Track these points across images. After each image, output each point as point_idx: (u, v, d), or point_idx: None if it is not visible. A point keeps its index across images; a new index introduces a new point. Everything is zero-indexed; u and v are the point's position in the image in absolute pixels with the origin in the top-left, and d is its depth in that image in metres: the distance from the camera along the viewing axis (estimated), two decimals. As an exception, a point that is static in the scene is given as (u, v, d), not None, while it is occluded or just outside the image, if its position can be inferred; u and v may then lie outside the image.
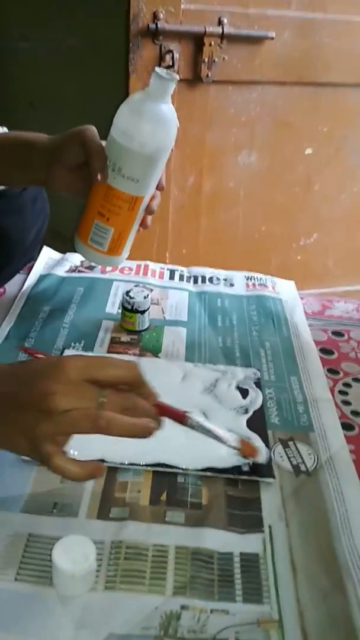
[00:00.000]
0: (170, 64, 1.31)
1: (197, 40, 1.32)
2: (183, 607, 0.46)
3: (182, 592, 0.47)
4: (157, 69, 0.64)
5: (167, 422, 0.49)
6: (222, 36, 1.32)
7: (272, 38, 1.35)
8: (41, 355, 0.61)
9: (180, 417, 0.50)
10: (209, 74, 1.35)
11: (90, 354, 0.74)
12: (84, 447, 0.58)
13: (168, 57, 1.31)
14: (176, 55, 1.32)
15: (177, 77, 0.64)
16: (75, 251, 0.75)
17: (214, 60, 1.34)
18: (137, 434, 0.46)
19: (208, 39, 1.31)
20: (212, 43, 1.32)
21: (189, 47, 1.33)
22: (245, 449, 0.55)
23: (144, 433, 0.46)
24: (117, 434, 0.45)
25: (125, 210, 0.70)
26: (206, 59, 1.33)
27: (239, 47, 1.36)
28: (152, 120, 0.64)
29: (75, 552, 0.46)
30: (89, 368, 0.45)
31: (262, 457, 0.58)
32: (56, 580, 0.46)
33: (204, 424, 0.51)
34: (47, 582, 0.47)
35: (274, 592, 0.48)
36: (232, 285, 0.94)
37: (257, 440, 0.62)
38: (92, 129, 0.69)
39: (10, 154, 0.73)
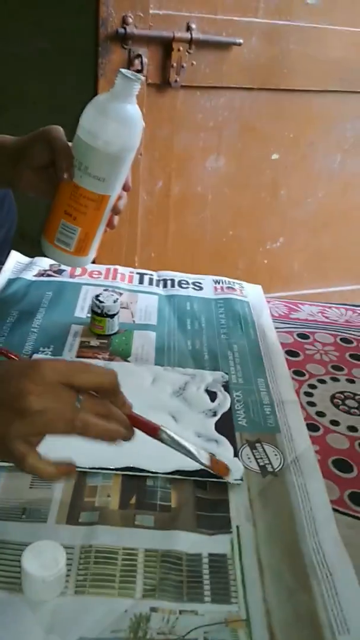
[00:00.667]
0: (139, 68, 1.32)
1: (166, 45, 1.33)
2: (152, 609, 0.46)
3: (151, 595, 0.47)
4: (122, 69, 0.65)
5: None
6: (191, 41, 1.33)
7: (240, 44, 1.37)
8: (14, 357, 0.60)
9: (153, 431, 0.51)
10: (177, 79, 1.37)
11: (60, 358, 0.74)
12: (52, 450, 0.58)
13: (137, 61, 1.32)
14: (145, 60, 1.32)
15: (142, 78, 0.65)
16: (43, 254, 0.76)
17: (183, 66, 1.35)
18: (111, 439, 0.47)
19: (177, 44, 1.33)
20: (181, 48, 1.34)
21: (157, 52, 1.34)
22: (215, 467, 0.55)
23: (118, 438, 0.47)
24: (92, 437, 0.45)
25: (91, 209, 0.70)
26: (175, 64, 1.35)
27: (207, 53, 1.38)
28: (117, 120, 0.65)
29: (44, 557, 0.46)
30: (67, 372, 0.45)
31: (232, 475, 0.58)
32: (26, 585, 0.46)
33: (176, 438, 0.52)
34: (16, 588, 0.47)
35: (242, 591, 0.49)
36: (200, 288, 0.95)
37: (224, 443, 0.63)
38: (58, 129, 0.70)
39: None
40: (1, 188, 0.82)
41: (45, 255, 0.76)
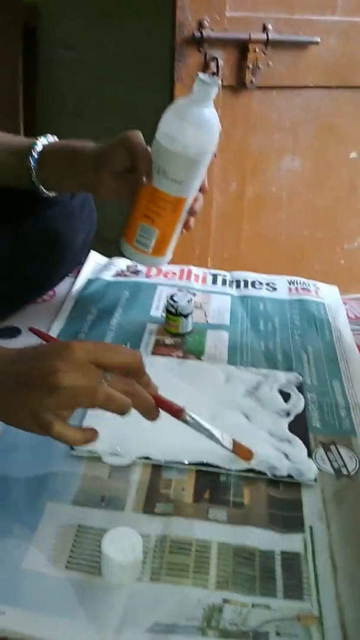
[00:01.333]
0: (215, 71, 1.33)
1: (242, 47, 1.34)
2: (225, 601, 0.47)
3: (224, 587, 0.48)
4: (200, 74, 0.67)
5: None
6: (267, 42, 1.33)
7: (317, 43, 1.36)
8: (49, 339, 0.64)
9: (177, 412, 0.54)
10: (253, 80, 1.37)
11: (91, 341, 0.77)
12: (129, 444, 0.61)
13: (212, 64, 1.33)
14: (220, 62, 1.33)
15: (219, 82, 0.67)
16: (121, 255, 0.78)
17: (259, 67, 1.35)
18: (142, 408, 0.51)
19: (252, 45, 1.33)
20: (257, 49, 1.34)
21: (233, 53, 1.35)
22: (238, 451, 0.58)
23: (147, 411, 0.52)
24: (112, 409, 0.49)
25: (169, 211, 0.72)
26: (250, 65, 1.35)
27: (284, 53, 1.37)
28: (195, 124, 0.67)
29: (123, 543, 0.48)
30: (95, 351, 0.49)
31: (255, 461, 0.59)
32: (105, 569, 0.48)
33: (199, 421, 0.55)
34: (95, 572, 0.49)
35: (315, 589, 0.49)
36: (274, 289, 0.95)
37: (298, 443, 0.63)
38: (138, 134, 0.73)
39: (59, 161, 0.77)
40: (82, 192, 0.85)
41: (123, 256, 0.79)
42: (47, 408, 0.47)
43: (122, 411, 0.49)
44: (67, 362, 0.47)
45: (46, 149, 0.77)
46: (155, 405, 0.53)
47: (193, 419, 0.55)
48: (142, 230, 0.74)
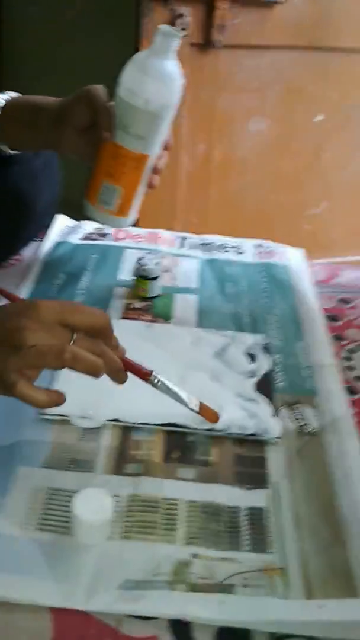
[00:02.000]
0: (182, 27, 1.30)
1: (208, 4, 1.31)
2: (193, 556, 0.49)
3: (192, 542, 0.50)
4: (161, 26, 0.64)
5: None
6: (233, -1, 1.30)
7: (283, 2, 1.34)
8: (14, 298, 0.60)
9: (144, 375, 0.54)
10: (220, 39, 1.34)
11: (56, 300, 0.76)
12: (99, 407, 0.61)
13: (179, 21, 1.30)
14: (187, 19, 1.30)
15: (182, 33, 0.65)
16: (87, 219, 0.77)
17: (224, 25, 1.33)
18: (99, 371, 0.48)
19: (219, 2, 1.30)
20: (224, 6, 1.31)
21: (200, 10, 1.32)
22: (204, 413, 0.58)
23: (114, 372, 0.51)
24: (81, 369, 0.47)
25: (132, 168, 0.71)
26: (217, 23, 1.32)
27: (250, 11, 1.34)
28: (156, 77, 0.65)
29: (93, 503, 0.49)
30: (63, 311, 0.47)
31: (220, 423, 0.60)
32: (75, 529, 0.49)
33: (167, 384, 0.54)
34: (66, 532, 0.50)
35: (279, 543, 0.51)
36: (241, 253, 0.96)
37: (263, 403, 0.65)
38: (100, 88, 0.71)
39: (20, 117, 0.74)
40: (44, 150, 0.83)
41: (88, 218, 0.78)
42: (12, 367, 0.46)
43: (92, 371, 0.48)
44: (34, 321, 0.46)
45: (7, 104, 0.75)
46: (123, 368, 0.52)
47: (161, 381, 0.55)
48: (105, 188, 0.72)
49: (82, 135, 0.72)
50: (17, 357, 0.46)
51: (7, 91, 0.76)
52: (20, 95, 0.77)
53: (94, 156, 0.72)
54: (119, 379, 0.52)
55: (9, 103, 0.75)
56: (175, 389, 0.55)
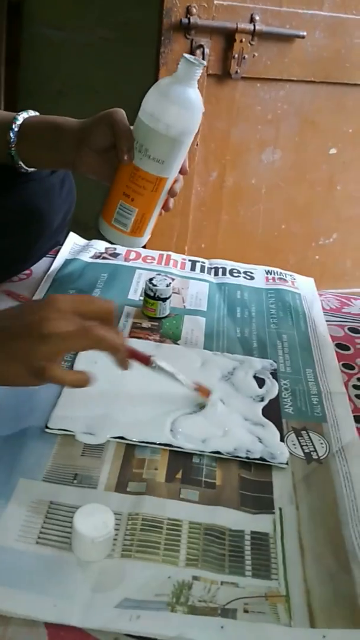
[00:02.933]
0: (201, 58, 1.33)
1: (228, 36, 1.34)
2: (195, 578, 0.48)
3: (194, 564, 0.49)
4: (185, 54, 0.67)
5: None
6: (254, 33, 1.33)
7: (304, 37, 1.37)
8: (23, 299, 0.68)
9: (146, 360, 0.60)
10: (238, 70, 1.37)
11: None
12: (104, 424, 0.61)
13: (199, 51, 1.33)
14: (207, 50, 1.33)
15: (204, 63, 0.67)
16: (100, 237, 0.78)
17: (244, 57, 1.36)
18: (120, 350, 0.55)
19: (239, 35, 1.33)
20: (243, 39, 1.34)
21: (219, 42, 1.35)
22: (200, 389, 0.64)
23: (123, 355, 0.56)
24: (104, 348, 0.53)
25: (149, 190, 0.72)
26: (236, 55, 1.35)
27: (270, 45, 1.37)
28: (178, 103, 0.68)
29: (95, 519, 0.48)
30: (74, 302, 0.53)
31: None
32: (75, 544, 0.48)
33: (165, 367, 0.61)
34: (66, 547, 0.49)
35: (282, 569, 0.50)
36: (252, 278, 0.96)
37: (271, 428, 0.64)
38: (120, 111, 0.72)
39: (39, 135, 0.76)
40: (62, 169, 0.84)
41: (101, 237, 0.78)
42: (39, 356, 0.50)
43: (114, 350, 0.54)
44: (53, 311, 0.51)
45: (27, 123, 0.76)
46: (125, 351, 0.56)
47: (160, 366, 0.60)
48: (121, 208, 0.73)
49: (100, 156, 0.74)
50: (44, 345, 0.50)
51: (27, 110, 0.77)
52: (38, 114, 0.79)
53: (111, 177, 0.74)
54: (124, 365, 0.57)
55: (28, 121, 0.76)
56: (173, 370, 0.61)
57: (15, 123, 0.75)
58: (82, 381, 0.54)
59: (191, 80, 0.67)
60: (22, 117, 0.76)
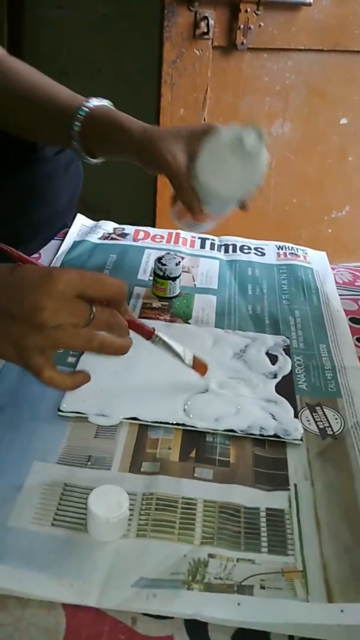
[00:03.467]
0: (205, 30, 1.30)
1: (233, 7, 1.31)
2: (210, 556, 0.48)
3: (209, 542, 0.49)
4: (252, 126, 0.64)
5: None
6: (259, 2, 1.30)
7: (310, 4, 1.33)
8: (25, 259, 0.53)
9: (148, 334, 0.56)
10: (244, 41, 1.34)
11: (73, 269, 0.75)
12: (116, 405, 0.61)
13: (203, 24, 1.30)
14: (211, 22, 1.30)
15: (265, 142, 0.64)
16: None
17: (250, 27, 1.33)
18: (124, 353, 0.50)
19: (244, 5, 1.30)
20: (248, 9, 1.31)
21: (224, 13, 1.32)
22: (195, 365, 0.61)
23: (125, 352, 0.51)
24: (107, 354, 0.49)
25: (215, 216, 0.73)
26: (242, 26, 1.32)
27: (276, 14, 1.34)
28: (240, 174, 0.66)
29: (109, 500, 0.48)
30: (81, 284, 0.46)
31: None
32: (91, 525, 0.49)
33: (167, 341, 0.58)
34: (81, 529, 0.49)
35: (299, 545, 0.49)
36: (263, 254, 0.95)
37: (284, 404, 0.63)
38: (181, 170, 0.67)
39: (104, 131, 0.70)
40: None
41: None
42: (33, 346, 0.46)
43: (118, 354, 0.50)
44: (53, 299, 0.44)
45: (94, 112, 0.70)
46: (127, 332, 0.52)
47: (161, 339, 0.57)
48: (192, 222, 0.74)
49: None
50: (39, 337, 0.45)
51: (95, 97, 0.73)
52: (106, 105, 0.73)
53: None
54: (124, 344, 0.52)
55: (95, 112, 0.71)
56: (174, 345, 0.58)
57: (79, 116, 0.70)
58: (79, 384, 0.50)
59: (259, 151, 0.65)
60: (92, 104, 0.71)
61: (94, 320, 0.47)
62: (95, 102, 0.72)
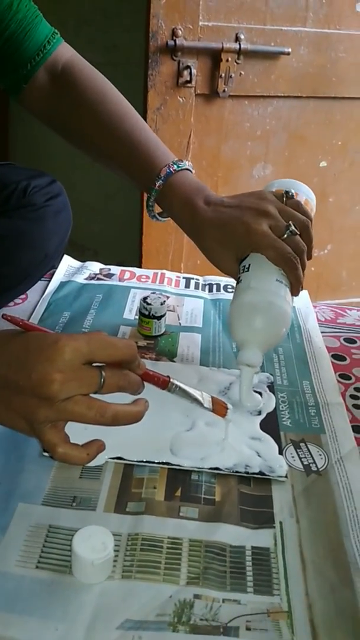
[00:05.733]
0: (188, 79, 1.35)
1: (215, 56, 1.36)
2: (196, 596, 0.48)
3: (195, 582, 0.49)
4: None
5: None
6: (239, 52, 1.35)
7: (289, 53, 1.39)
8: (31, 327, 0.51)
9: (163, 384, 0.54)
10: (226, 89, 1.39)
11: (79, 334, 0.76)
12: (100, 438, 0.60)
13: (186, 72, 1.35)
14: (194, 71, 1.35)
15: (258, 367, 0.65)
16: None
17: (231, 76, 1.37)
18: (136, 421, 0.49)
19: (225, 54, 1.35)
20: (230, 59, 1.36)
21: (206, 62, 1.37)
22: (216, 408, 0.59)
23: (140, 419, 0.50)
24: (122, 424, 0.48)
25: None
26: (223, 74, 1.37)
27: (256, 63, 1.39)
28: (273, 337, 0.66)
29: (94, 541, 0.48)
30: (90, 351, 0.45)
31: (228, 416, 0.60)
32: (75, 567, 0.48)
33: (183, 387, 0.56)
34: (66, 571, 0.49)
35: (284, 584, 0.49)
36: (246, 293, 0.96)
37: (269, 441, 0.64)
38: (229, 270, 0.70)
39: (176, 203, 0.72)
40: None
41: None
42: (45, 420, 0.45)
43: (132, 422, 0.49)
44: (61, 370, 0.43)
45: (170, 188, 0.72)
46: (142, 385, 0.51)
47: (178, 386, 0.55)
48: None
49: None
50: (50, 410, 0.44)
51: (176, 165, 0.73)
52: (188, 170, 0.74)
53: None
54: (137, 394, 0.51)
55: (177, 177, 0.72)
56: (191, 390, 0.56)
57: (156, 184, 0.71)
58: (95, 456, 0.48)
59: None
60: (187, 165, 0.73)
61: (105, 385, 0.46)
62: (177, 165, 0.72)
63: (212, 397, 0.59)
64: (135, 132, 0.75)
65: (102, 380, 0.46)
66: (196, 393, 0.57)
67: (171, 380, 0.55)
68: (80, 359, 0.44)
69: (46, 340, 0.45)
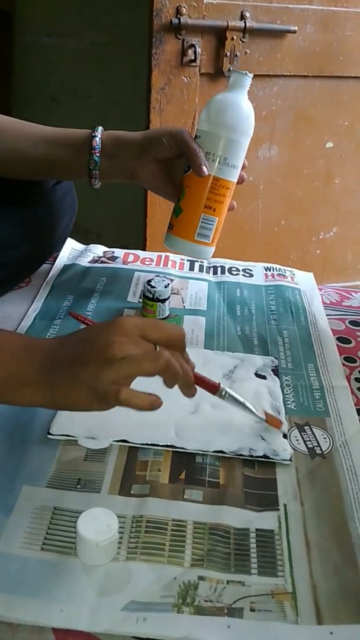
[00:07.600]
0: (192, 58, 1.33)
1: (220, 35, 1.33)
2: (200, 578, 0.48)
3: (199, 564, 0.49)
4: (233, 70, 0.73)
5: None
6: (245, 30, 1.33)
7: (295, 32, 1.36)
8: (89, 322, 0.67)
9: (214, 388, 0.58)
10: (231, 68, 1.37)
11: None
12: (106, 428, 0.61)
13: (190, 51, 1.33)
14: (198, 50, 1.33)
15: (251, 75, 0.73)
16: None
17: (236, 54, 1.35)
18: (188, 380, 0.53)
19: (230, 33, 1.33)
20: (235, 37, 1.34)
21: (211, 41, 1.34)
22: (270, 420, 0.62)
23: (188, 385, 0.54)
24: (169, 376, 0.51)
25: (227, 197, 0.76)
26: (228, 53, 1.35)
27: (261, 41, 1.37)
28: (247, 111, 0.73)
29: (98, 523, 0.48)
30: (144, 327, 0.51)
31: (284, 428, 0.62)
32: (80, 549, 0.48)
33: (234, 395, 0.59)
34: (71, 553, 0.49)
35: (288, 566, 0.49)
36: (251, 275, 0.96)
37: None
38: (185, 129, 0.74)
39: (105, 150, 0.77)
40: (122, 179, 0.82)
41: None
42: (106, 380, 0.48)
43: (178, 379, 0.52)
44: (121, 335, 0.49)
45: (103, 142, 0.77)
46: (194, 382, 0.55)
47: (228, 393, 0.58)
48: (204, 221, 0.76)
49: (160, 167, 0.76)
50: (111, 369, 0.48)
51: (96, 127, 0.78)
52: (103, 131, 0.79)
53: (166, 190, 0.78)
54: (190, 392, 0.55)
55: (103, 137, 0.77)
56: (242, 399, 0.59)
57: (94, 142, 0.76)
58: (155, 405, 0.50)
59: (244, 89, 0.73)
60: (97, 136, 0.77)
61: (159, 354, 0.50)
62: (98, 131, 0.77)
63: (265, 412, 0.62)
64: (44, 132, 0.80)
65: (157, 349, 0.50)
66: (248, 404, 0.60)
67: (222, 386, 0.58)
68: (137, 331, 0.50)
69: (109, 321, 0.52)
